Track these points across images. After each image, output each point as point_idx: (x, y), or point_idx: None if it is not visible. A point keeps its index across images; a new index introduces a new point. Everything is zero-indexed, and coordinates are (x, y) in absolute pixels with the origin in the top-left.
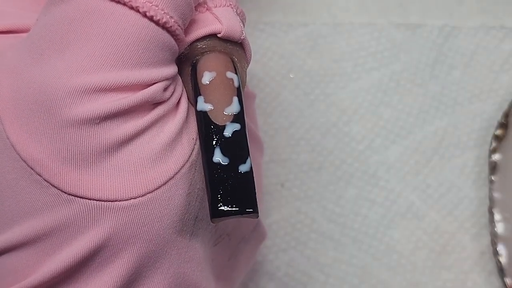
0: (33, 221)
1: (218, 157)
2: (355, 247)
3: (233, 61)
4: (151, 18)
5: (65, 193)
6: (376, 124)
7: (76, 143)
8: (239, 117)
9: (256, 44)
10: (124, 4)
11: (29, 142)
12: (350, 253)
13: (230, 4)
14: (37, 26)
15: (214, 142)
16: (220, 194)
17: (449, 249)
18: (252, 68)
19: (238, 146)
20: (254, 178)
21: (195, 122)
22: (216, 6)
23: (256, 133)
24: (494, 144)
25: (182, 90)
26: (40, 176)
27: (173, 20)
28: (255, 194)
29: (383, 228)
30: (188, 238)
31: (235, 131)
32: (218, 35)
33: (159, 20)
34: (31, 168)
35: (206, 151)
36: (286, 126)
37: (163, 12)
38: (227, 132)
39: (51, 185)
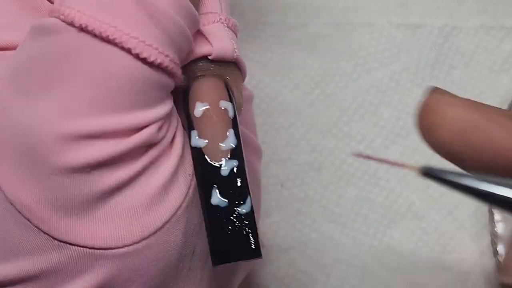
0: (23, 262)
1: (217, 199)
2: (356, 247)
3: (227, 85)
4: (144, 60)
5: (56, 239)
6: (376, 124)
7: (66, 191)
8: (236, 152)
9: (256, 44)
10: (115, 44)
11: (17, 185)
12: (350, 253)
13: (220, 19)
14: (21, 55)
15: (211, 183)
16: (221, 239)
17: (449, 249)
18: (252, 68)
19: (237, 185)
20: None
21: (190, 157)
22: (205, 24)
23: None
24: None
25: (177, 122)
26: (29, 221)
27: (168, 59)
28: (257, 235)
29: (383, 228)
30: (186, 272)
31: (233, 168)
32: (209, 57)
33: (153, 61)
34: (19, 212)
35: (204, 192)
36: (286, 126)
37: (157, 51)
38: (225, 171)
39: (41, 230)
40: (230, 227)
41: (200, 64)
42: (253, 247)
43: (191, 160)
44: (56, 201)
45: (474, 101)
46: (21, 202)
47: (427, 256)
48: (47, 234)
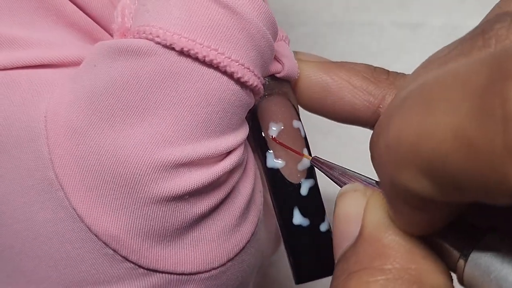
0: None
1: (298, 218)
2: None
3: (293, 104)
4: (243, 83)
5: (143, 268)
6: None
7: (160, 220)
8: (312, 171)
9: None
10: (217, 67)
11: (103, 216)
12: None
13: (283, 36)
14: (98, 76)
15: (292, 203)
16: (305, 259)
17: None
18: None
19: (315, 204)
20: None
21: (258, 171)
22: None
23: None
24: None
25: (246, 142)
26: (115, 251)
27: (259, 80)
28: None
29: None
30: (249, 285)
31: (311, 187)
32: (277, 75)
33: (251, 84)
34: (105, 243)
35: (284, 212)
36: None
37: (253, 74)
38: (304, 191)
39: (127, 260)
40: (313, 246)
41: (266, 83)
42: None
43: (259, 176)
44: (148, 231)
45: (328, 62)
46: (108, 233)
47: None
48: (134, 263)
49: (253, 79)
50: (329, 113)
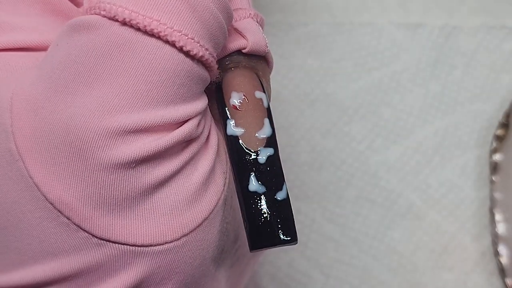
0: (58, 262)
1: (254, 185)
2: (356, 247)
3: (259, 77)
4: (187, 53)
5: (96, 237)
6: (376, 124)
7: (110, 188)
8: (271, 141)
9: None
10: (159, 37)
11: (57, 184)
12: (350, 253)
13: (250, 14)
14: (58, 53)
15: (248, 170)
16: (259, 225)
17: (450, 250)
18: None
19: (273, 172)
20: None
21: (225, 151)
22: (236, 20)
23: None
24: (495, 144)
25: (211, 118)
26: (69, 219)
27: (208, 52)
28: (294, 221)
29: (384, 229)
30: (214, 270)
31: (269, 156)
32: (243, 51)
33: (195, 54)
34: (59, 211)
35: (241, 179)
36: (286, 126)
37: (199, 45)
38: (261, 158)
39: (81, 228)
40: (268, 213)
41: (233, 56)
42: (290, 232)
43: (227, 156)
44: (99, 198)
45: None
46: (61, 200)
47: (427, 257)
48: (87, 232)
49: (198, 49)
50: None
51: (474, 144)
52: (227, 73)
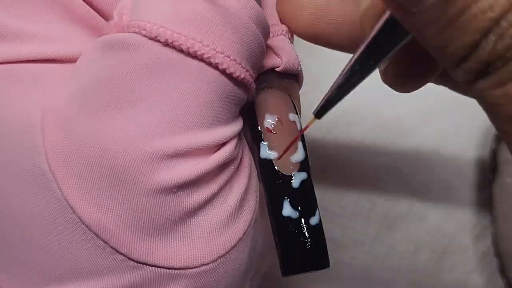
0: (90, 283)
1: (288, 210)
2: (356, 248)
3: (291, 99)
4: (229, 75)
5: (133, 260)
6: (376, 124)
7: (150, 213)
8: (305, 165)
9: None
10: (202, 59)
11: (94, 208)
12: (351, 254)
13: (283, 31)
14: (92, 70)
15: (282, 195)
16: (292, 251)
17: (451, 250)
18: None
19: (306, 197)
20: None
21: (255, 171)
22: (270, 37)
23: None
24: (495, 145)
25: (242, 139)
26: (106, 242)
27: (248, 74)
28: (326, 246)
29: (384, 229)
30: (241, 286)
31: (303, 180)
32: (277, 69)
33: (238, 76)
34: (95, 234)
35: (274, 204)
36: None
37: (240, 66)
38: (295, 183)
39: (117, 252)
40: (301, 238)
41: (265, 76)
42: (323, 257)
43: (256, 176)
44: (138, 223)
45: None
46: (98, 224)
47: (428, 257)
48: (124, 255)
49: (240, 71)
50: (331, 30)
51: (474, 144)
52: (259, 93)
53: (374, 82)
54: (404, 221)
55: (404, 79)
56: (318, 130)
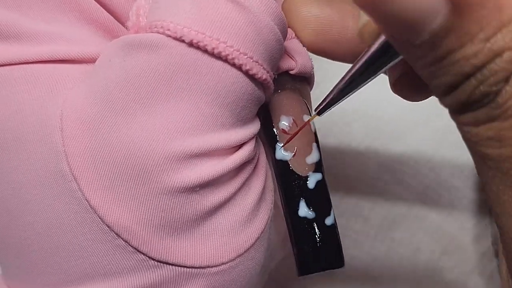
0: (111, 282)
1: (304, 211)
2: (356, 248)
3: (305, 102)
4: (252, 76)
5: (154, 259)
6: (376, 124)
7: (172, 212)
8: (319, 166)
9: None
10: (226, 60)
11: (116, 208)
12: (351, 254)
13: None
14: (112, 70)
15: (298, 195)
16: (309, 251)
17: (450, 251)
18: None
19: (321, 198)
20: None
21: (269, 170)
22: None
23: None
24: None
25: (258, 139)
26: (126, 242)
27: (269, 75)
28: (341, 246)
29: (384, 230)
30: (255, 283)
31: (318, 181)
32: (291, 72)
33: (260, 77)
34: (116, 233)
35: (290, 205)
36: None
37: (262, 68)
38: (311, 184)
39: (138, 251)
40: (317, 238)
41: (279, 78)
42: (338, 257)
43: (271, 176)
44: (160, 222)
45: None
46: (119, 224)
47: (427, 257)
48: (145, 255)
49: (262, 72)
50: (333, 46)
51: None
52: (273, 95)
53: (374, 81)
54: (404, 221)
55: (413, 90)
56: (318, 130)
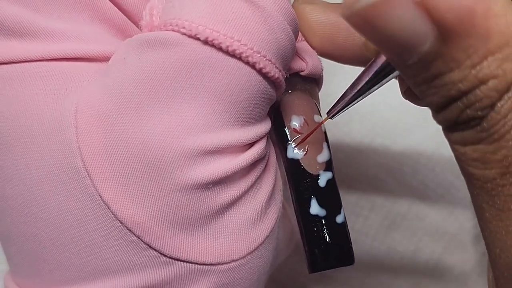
0: (122, 279)
1: (315, 209)
2: (357, 248)
3: (315, 102)
4: (265, 74)
5: (165, 256)
6: (376, 124)
7: (185, 208)
8: (330, 165)
9: None
10: (240, 58)
11: (130, 204)
12: None
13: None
14: (127, 68)
15: (309, 194)
16: (320, 248)
17: (450, 250)
18: None
19: (332, 196)
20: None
21: (278, 169)
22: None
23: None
24: None
25: (268, 137)
26: (139, 238)
27: (281, 74)
28: (351, 243)
29: (384, 229)
30: (263, 281)
31: (329, 180)
32: (301, 73)
33: (272, 76)
34: (129, 229)
35: (301, 202)
36: None
37: (275, 66)
38: (322, 182)
39: (150, 247)
40: (329, 237)
41: (290, 79)
42: (349, 254)
43: (280, 174)
44: (173, 218)
45: (332, 4)
46: (133, 220)
47: (427, 257)
48: (157, 251)
49: (275, 71)
50: (340, 51)
51: None
52: (284, 95)
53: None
54: (404, 221)
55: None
56: None
